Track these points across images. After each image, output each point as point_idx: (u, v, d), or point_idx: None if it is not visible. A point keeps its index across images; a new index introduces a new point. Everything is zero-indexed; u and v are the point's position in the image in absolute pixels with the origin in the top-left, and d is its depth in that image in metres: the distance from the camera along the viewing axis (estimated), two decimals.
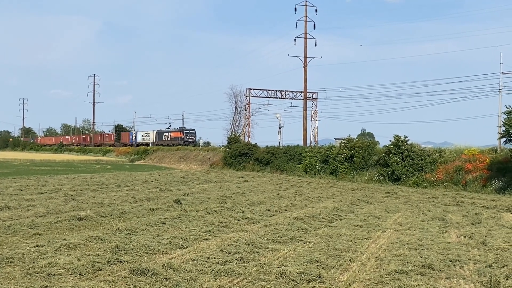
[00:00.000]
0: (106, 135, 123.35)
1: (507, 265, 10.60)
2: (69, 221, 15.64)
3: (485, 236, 14.13)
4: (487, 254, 11.99)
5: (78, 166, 58.38)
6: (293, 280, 9.41)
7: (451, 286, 9.44)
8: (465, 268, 10.71)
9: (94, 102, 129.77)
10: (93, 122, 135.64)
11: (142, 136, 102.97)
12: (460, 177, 32.32)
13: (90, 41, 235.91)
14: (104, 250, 11.38)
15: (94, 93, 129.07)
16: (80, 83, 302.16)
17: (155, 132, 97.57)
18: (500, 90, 37.36)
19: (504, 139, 30.57)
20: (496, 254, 11.78)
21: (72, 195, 22.60)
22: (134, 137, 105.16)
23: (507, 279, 9.53)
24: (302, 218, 16.99)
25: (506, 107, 29.55)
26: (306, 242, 13.11)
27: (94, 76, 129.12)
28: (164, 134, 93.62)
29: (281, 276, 9.58)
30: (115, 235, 13.30)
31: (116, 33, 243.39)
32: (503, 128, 29.68)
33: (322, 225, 16.00)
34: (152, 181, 33.51)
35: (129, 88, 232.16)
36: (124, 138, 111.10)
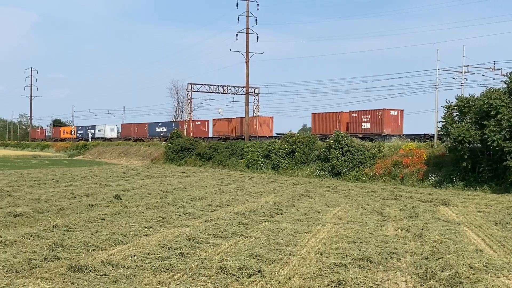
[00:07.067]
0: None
1: (442, 257, 10.88)
2: (4, 217, 15.22)
3: (422, 229, 14.47)
4: (423, 246, 12.29)
5: (15, 162, 56.86)
6: (234, 275, 9.42)
7: (388, 278, 9.63)
8: (402, 261, 10.94)
9: (31, 96, 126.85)
10: (30, 116, 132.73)
11: None
12: (398, 171, 33.01)
13: (26, 34, 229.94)
14: (41, 247, 11.13)
15: (31, 86, 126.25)
16: (16, 76, 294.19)
17: None
18: (437, 87, 38.25)
19: (441, 133, 31.30)
20: (432, 247, 12.08)
21: (8, 191, 22.01)
22: None
23: (442, 271, 9.78)
24: (243, 213, 17.02)
25: (446, 101, 30.14)
26: (247, 237, 13.14)
27: (31, 70, 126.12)
28: None
29: (221, 271, 9.58)
30: (52, 231, 13.03)
31: (53, 26, 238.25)
32: (440, 124, 30.38)
33: (263, 219, 16.07)
34: (91, 177, 32.94)
35: (67, 82, 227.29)
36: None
